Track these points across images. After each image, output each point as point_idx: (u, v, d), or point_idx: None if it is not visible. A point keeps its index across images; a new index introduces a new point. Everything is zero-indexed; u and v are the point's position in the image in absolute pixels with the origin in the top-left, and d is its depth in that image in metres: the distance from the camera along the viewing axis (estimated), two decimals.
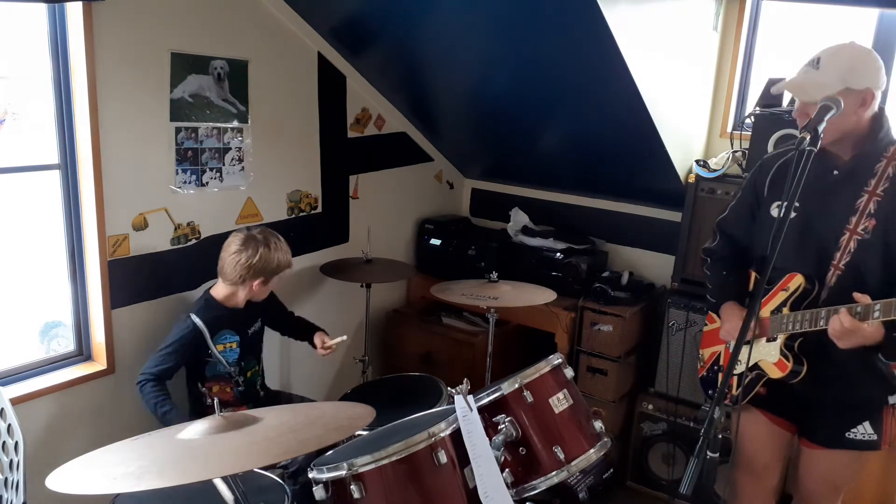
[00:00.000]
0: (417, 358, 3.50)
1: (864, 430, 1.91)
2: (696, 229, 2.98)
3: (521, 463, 1.89)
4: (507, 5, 2.44)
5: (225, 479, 1.44)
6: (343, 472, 1.62)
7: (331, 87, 3.13)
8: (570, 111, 3.06)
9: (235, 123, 2.73)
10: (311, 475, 1.70)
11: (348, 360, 3.42)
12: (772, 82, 1.91)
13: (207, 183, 2.67)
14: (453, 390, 1.78)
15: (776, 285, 1.93)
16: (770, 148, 2.66)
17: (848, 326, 1.68)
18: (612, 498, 3.14)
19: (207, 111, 2.62)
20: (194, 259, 2.66)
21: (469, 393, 1.77)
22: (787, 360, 1.89)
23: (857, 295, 1.70)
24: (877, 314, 1.65)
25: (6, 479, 1.88)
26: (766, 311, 1.96)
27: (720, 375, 2.16)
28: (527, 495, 1.88)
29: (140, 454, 1.43)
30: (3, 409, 1.92)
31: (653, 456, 3.18)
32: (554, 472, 1.88)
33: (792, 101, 2.43)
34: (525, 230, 3.61)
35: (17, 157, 2.43)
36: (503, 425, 1.87)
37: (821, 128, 1.64)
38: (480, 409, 1.84)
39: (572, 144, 3.34)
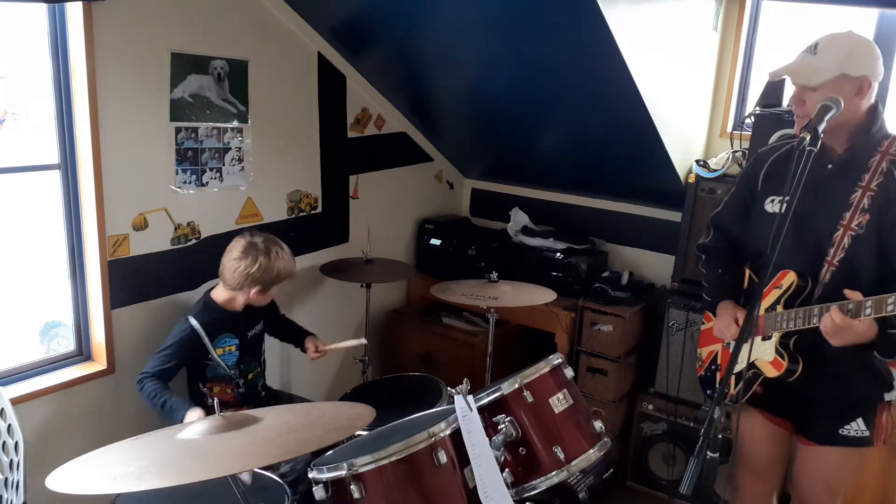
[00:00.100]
0: (417, 358, 3.50)
1: (857, 427, 1.91)
2: (696, 229, 2.98)
3: (521, 463, 1.89)
4: (507, 5, 2.44)
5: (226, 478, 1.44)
6: (343, 472, 1.62)
7: (331, 87, 3.13)
8: (570, 111, 3.06)
9: (235, 123, 2.73)
10: (310, 475, 1.70)
11: (348, 360, 3.42)
12: (773, 75, 1.89)
13: (207, 183, 2.67)
14: (453, 390, 1.78)
15: (770, 283, 1.92)
16: None
17: (839, 324, 1.68)
18: (612, 498, 3.14)
19: (207, 111, 2.62)
20: (194, 259, 2.66)
21: (469, 393, 1.77)
22: (783, 358, 1.88)
23: (847, 292, 1.69)
24: (868, 311, 1.64)
25: (6, 479, 1.88)
26: (760, 310, 1.95)
27: (718, 374, 2.16)
28: (527, 495, 1.88)
29: (140, 454, 1.43)
30: (3, 409, 1.92)
31: (653, 456, 3.18)
32: (554, 472, 1.88)
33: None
34: (525, 230, 3.61)
35: (17, 157, 2.43)
36: (503, 425, 1.87)
37: (821, 128, 1.63)
38: (480, 409, 1.84)
39: (572, 144, 3.34)
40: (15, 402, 2.06)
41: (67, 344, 2.52)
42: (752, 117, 2.84)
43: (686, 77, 3.02)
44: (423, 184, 3.85)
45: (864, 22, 2.82)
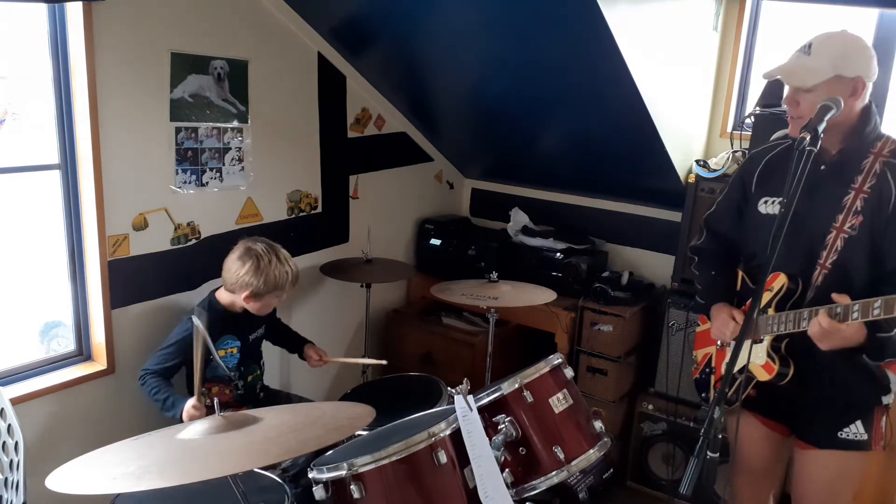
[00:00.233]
0: (417, 358, 3.50)
1: (855, 430, 1.89)
2: (696, 229, 2.96)
3: (521, 463, 1.89)
4: (507, 5, 2.44)
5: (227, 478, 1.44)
6: (343, 472, 1.62)
7: (331, 87, 3.13)
8: (570, 111, 3.06)
9: (235, 123, 2.73)
10: (310, 475, 1.70)
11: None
12: (767, 76, 1.89)
13: (207, 183, 2.67)
14: (453, 390, 1.78)
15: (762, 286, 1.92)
16: None
17: (826, 328, 1.67)
18: (612, 498, 3.14)
19: (207, 111, 2.62)
20: (194, 259, 2.66)
21: (469, 393, 1.77)
22: (774, 361, 1.87)
23: (835, 295, 1.68)
24: (855, 315, 1.63)
25: (6, 479, 1.88)
26: (749, 313, 1.94)
27: (713, 377, 2.15)
28: (527, 495, 1.88)
29: (140, 454, 1.43)
30: (3, 409, 1.92)
31: (653, 456, 3.18)
32: (554, 472, 1.87)
33: None
34: (525, 230, 3.61)
35: (17, 157, 2.43)
36: (503, 425, 1.87)
37: (821, 128, 1.63)
38: (480, 409, 1.84)
39: (572, 144, 3.34)
40: (15, 402, 2.06)
41: (67, 344, 2.52)
42: (752, 117, 2.84)
43: (686, 77, 3.02)
44: (423, 184, 3.85)
45: (864, 22, 2.82)
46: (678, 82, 2.93)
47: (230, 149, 2.73)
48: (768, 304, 1.88)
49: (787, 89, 1.84)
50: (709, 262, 2.18)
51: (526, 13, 2.43)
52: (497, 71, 2.95)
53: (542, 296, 2.90)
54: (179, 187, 2.58)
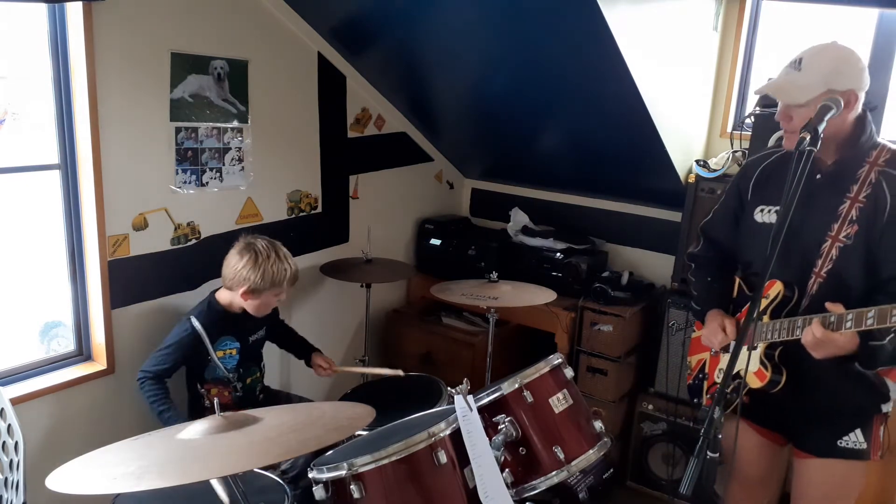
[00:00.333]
0: (417, 358, 3.50)
1: (855, 439, 1.88)
2: (696, 229, 2.97)
3: (521, 463, 1.89)
4: (507, 5, 2.44)
5: (225, 479, 1.44)
6: (343, 472, 1.62)
7: (331, 87, 3.13)
8: (570, 111, 3.06)
9: (235, 123, 2.73)
10: (310, 475, 1.70)
11: (348, 360, 3.42)
12: (759, 92, 1.89)
13: (207, 183, 2.67)
14: (453, 390, 1.78)
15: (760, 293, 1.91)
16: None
17: (820, 337, 1.66)
18: (612, 498, 3.14)
19: (207, 111, 2.62)
20: (194, 259, 2.66)
21: (469, 393, 1.77)
22: (766, 369, 1.86)
23: (829, 304, 1.68)
24: (849, 324, 1.62)
25: (6, 479, 1.88)
26: (746, 319, 1.94)
27: (705, 383, 2.15)
28: (527, 495, 1.88)
29: (140, 454, 1.43)
30: (3, 409, 1.92)
31: (653, 456, 3.18)
32: (554, 472, 1.87)
33: None
34: (525, 230, 3.61)
35: (17, 157, 2.43)
36: (503, 425, 1.87)
37: (821, 128, 1.62)
38: (480, 409, 1.84)
39: (572, 144, 3.34)
40: (15, 402, 2.06)
41: (67, 344, 2.52)
42: (752, 117, 2.84)
43: (686, 77, 3.02)
44: (423, 184, 3.85)
45: (864, 22, 2.82)
46: (678, 82, 2.93)
47: (230, 149, 2.73)
48: (763, 312, 1.87)
49: (779, 104, 1.83)
50: (705, 269, 2.17)
51: (526, 13, 2.43)
52: (497, 71, 2.95)
53: (542, 296, 2.90)
54: (179, 187, 2.58)
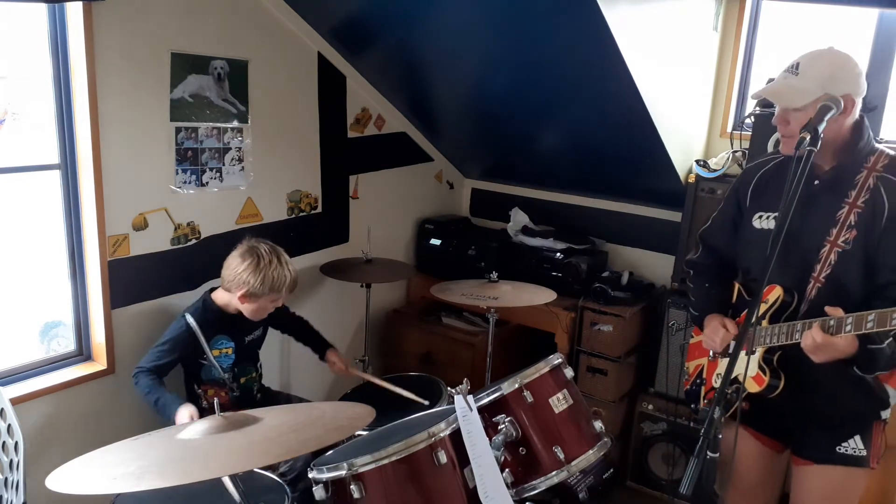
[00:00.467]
0: (417, 358, 3.50)
1: (854, 445, 1.86)
2: (695, 229, 2.96)
3: (521, 463, 1.89)
4: (507, 5, 2.44)
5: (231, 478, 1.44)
6: (343, 472, 1.62)
7: (331, 87, 3.13)
8: (570, 111, 3.06)
9: (235, 123, 2.73)
10: (310, 475, 1.70)
11: (348, 360, 3.41)
12: (756, 97, 1.89)
13: (207, 183, 2.67)
14: (453, 390, 1.78)
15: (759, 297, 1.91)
16: (769, 148, 2.66)
17: (820, 341, 1.66)
18: (612, 498, 3.14)
19: (207, 111, 2.62)
20: (194, 259, 2.66)
21: (469, 393, 1.77)
22: (765, 373, 1.85)
23: (828, 308, 1.68)
24: (849, 328, 1.62)
25: (6, 479, 1.88)
26: (745, 323, 1.93)
27: (703, 388, 2.14)
28: (527, 495, 1.88)
29: (140, 454, 1.43)
30: (3, 409, 1.92)
31: (653, 456, 3.18)
32: (554, 472, 1.87)
33: None
34: (525, 230, 3.61)
35: (17, 157, 2.43)
36: (503, 425, 1.87)
37: (821, 128, 1.62)
38: (480, 409, 1.84)
39: (572, 144, 3.34)
40: (15, 402, 2.06)
41: (67, 344, 2.52)
42: (752, 117, 2.84)
43: (686, 77, 3.02)
44: (423, 184, 3.85)
45: (864, 22, 2.82)
46: (678, 82, 2.93)
47: (230, 149, 2.73)
48: (762, 316, 1.87)
49: (777, 109, 1.83)
50: (704, 276, 2.17)
51: (526, 13, 2.43)
52: (497, 71, 2.95)
53: (542, 296, 2.90)
54: (179, 187, 2.58)
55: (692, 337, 2.26)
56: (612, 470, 2.80)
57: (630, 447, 3.24)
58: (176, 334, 2.33)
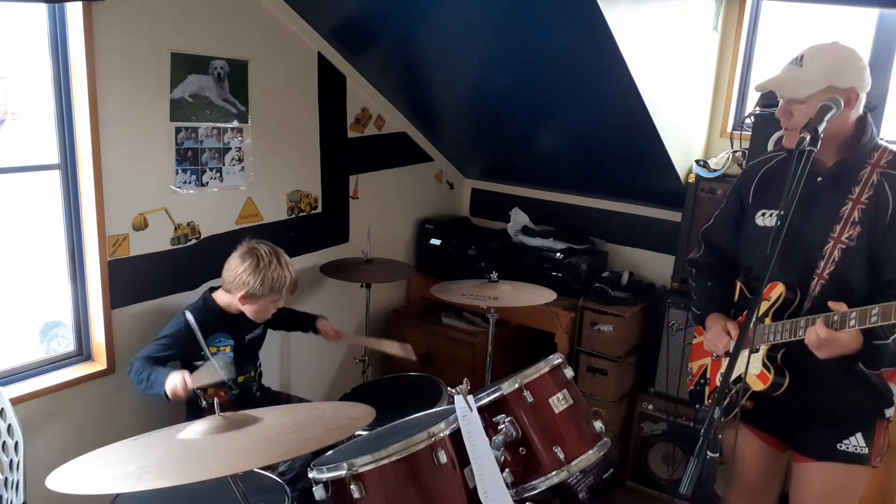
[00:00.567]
0: (417, 358, 3.49)
1: (856, 442, 1.86)
2: (696, 229, 2.96)
3: (521, 463, 1.89)
4: (507, 5, 2.44)
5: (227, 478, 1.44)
6: (343, 472, 1.62)
7: (331, 87, 3.13)
8: (570, 111, 3.06)
9: (235, 123, 2.73)
10: (310, 475, 1.70)
11: (348, 360, 3.42)
12: (760, 88, 1.87)
13: (207, 183, 2.67)
14: (453, 390, 1.78)
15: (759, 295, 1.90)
16: (770, 148, 2.66)
17: (824, 337, 1.65)
18: (612, 498, 3.14)
19: (207, 111, 2.62)
20: (194, 259, 2.66)
21: (469, 393, 1.77)
22: (769, 371, 1.84)
23: (832, 303, 1.67)
24: (853, 323, 1.61)
25: (6, 479, 1.88)
26: (745, 322, 1.92)
27: (707, 389, 2.14)
28: (527, 495, 1.88)
29: (140, 454, 1.43)
30: (3, 409, 1.92)
31: (653, 456, 3.18)
32: (554, 472, 1.87)
33: None
34: (525, 230, 3.61)
35: (17, 157, 2.43)
36: (503, 425, 1.87)
37: (821, 128, 1.62)
38: (480, 409, 1.84)
39: (572, 144, 3.34)
40: (15, 402, 2.06)
41: (67, 344, 2.52)
42: (752, 117, 2.84)
43: (686, 77, 3.02)
44: (423, 184, 3.85)
45: (864, 22, 2.82)
46: (678, 82, 2.93)
47: (230, 149, 2.73)
48: (765, 314, 1.86)
49: (780, 101, 1.83)
50: (706, 274, 2.16)
51: (526, 13, 2.43)
52: (497, 71, 2.95)
53: (542, 296, 2.90)
54: (179, 187, 2.58)
55: (695, 337, 2.25)
56: (612, 470, 2.80)
57: (630, 447, 3.24)
58: (174, 330, 2.33)
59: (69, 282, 2.43)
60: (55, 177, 2.34)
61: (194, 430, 1.49)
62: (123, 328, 2.49)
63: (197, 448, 1.42)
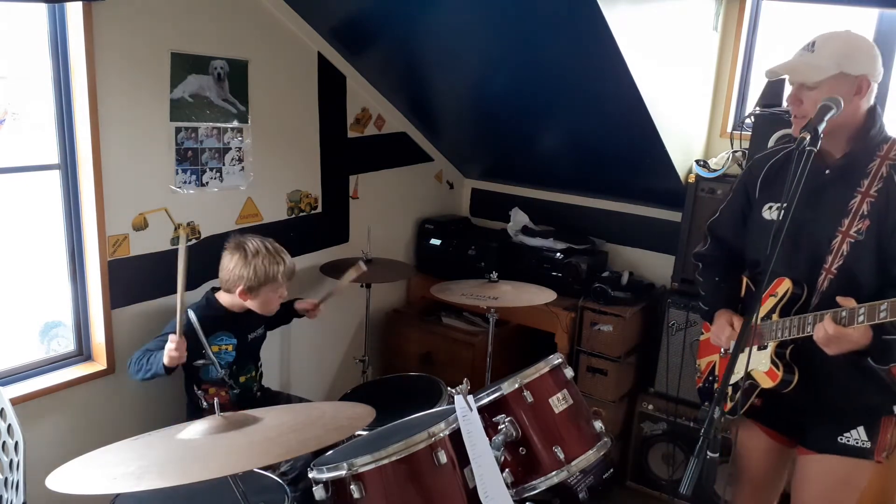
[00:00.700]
0: (417, 358, 3.50)
1: (857, 436, 1.84)
2: (696, 229, 2.98)
3: (521, 463, 1.89)
4: (508, 5, 2.44)
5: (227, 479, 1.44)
6: (343, 472, 1.62)
7: (331, 87, 3.13)
8: (570, 111, 3.06)
9: (235, 123, 2.73)
10: (311, 475, 1.70)
11: (348, 360, 3.42)
12: (770, 74, 1.85)
13: (207, 183, 2.67)
14: (453, 390, 1.78)
15: (766, 290, 1.87)
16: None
17: (832, 333, 1.63)
18: (612, 498, 3.14)
19: (207, 111, 2.62)
20: (194, 259, 2.64)
21: (469, 393, 1.77)
22: (778, 368, 1.83)
23: (840, 299, 1.65)
24: (861, 318, 1.59)
25: (6, 479, 1.88)
26: (745, 318, 1.91)
27: (716, 385, 2.12)
28: (527, 495, 1.88)
29: (140, 454, 1.43)
30: (3, 409, 1.92)
31: (653, 456, 3.18)
32: (554, 472, 1.87)
33: None
34: (525, 230, 3.61)
35: (17, 157, 2.43)
36: (503, 425, 1.87)
37: (821, 128, 1.61)
38: (480, 409, 1.84)
39: (572, 144, 3.34)
40: (15, 402, 2.06)
41: (67, 344, 2.52)
42: (752, 117, 2.84)
43: (686, 77, 3.02)
44: (423, 184, 3.85)
45: (864, 22, 2.82)
46: (678, 82, 2.93)
47: (230, 149, 2.73)
48: (772, 310, 1.85)
49: (789, 89, 1.81)
50: (713, 268, 2.14)
51: (526, 13, 2.43)
52: (497, 71, 2.95)
53: (542, 296, 2.90)
54: (179, 187, 2.58)
55: (702, 334, 2.24)
56: (612, 470, 2.80)
57: (630, 447, 3.24)
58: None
59: (69, 282, 2.43)
60: (55, 177, 2.34)
61: (194, 430, 1.49)
62: (123, 328, 2.49)
63: (197, 448, 1.42)
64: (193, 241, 2.67)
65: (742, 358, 1.68)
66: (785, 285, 1.83)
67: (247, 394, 2.52)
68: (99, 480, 1.34)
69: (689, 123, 3.17)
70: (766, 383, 1.86)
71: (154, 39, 2.41)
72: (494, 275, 2.97)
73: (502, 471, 1.79)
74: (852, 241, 1.75)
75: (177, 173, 2.56)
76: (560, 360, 2.04)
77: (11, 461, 1.87)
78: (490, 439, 1.79)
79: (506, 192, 3.92)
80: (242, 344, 2.48)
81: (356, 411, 1.66)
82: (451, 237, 3.66)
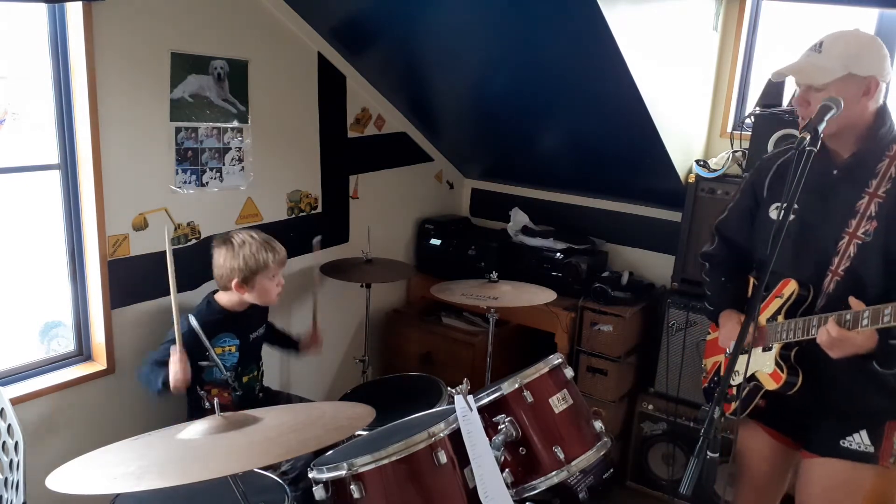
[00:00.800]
0: (417, 358, 3.50)
1: (860, 440, 1.83)
2: (696, 229, 2.98)
3: (521, 463, 1.89)
4: (508, 5, 2.44)
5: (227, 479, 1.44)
6: (343, 472, 1.62)
7: (331, 87, 3.13)
8: (570, 111, 3.06)
9: (235, 123, 2.73)
10: (311, 475, 1.70)
11: (348, 360, 3.42)
12: (777, 75, 1.82)
13: (207, 183, 2.67)
14: (453, 390, 1.78)
15: (772, 292, 1.87)
16: (770, 148, 2.66)
17: (836, 336, 1.62)
18: (612, 498, 3.14)
19: (207, 111, 2.62)
20: (194, 259, 2.66)
21: (469, 393, 1.77)
22: (782, 370, 1.82)
23: (852, 300, 1.63)
24: (865, 322, 1.58)
25: (6, 479, 1.88)
26: (762, 319, 1.89)
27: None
28: (527, 495, 1.88)
29: (140, 454, 1.43)
30: (3, 409, 1.92)
31: (653, 456, 3.18)
32: (554, 472, 1.87)
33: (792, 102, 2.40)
34: (525, 230, 3.61)
35: (17, 157, 2.43)
36: (503, 425, 1.87)
37: (821, 128, 1.59)
38: (480, 409, 1.84)
39: (572, 144, 3.34)
40: (15, 402, 2.06)
41: (67, 344, 2.52)
42: (752, 117, 2.84)
43: (686, 77, 3.02)
44: (423, 184, 3.85)
45: (864, 22, 2.82)
46: (678, 82, 2.93)
47: (230, 149, 2.73)
48: (778, 311, 1.84)
49: (789, 89, 1.80)
50: (719, 268, 2.13)
51: (526, 13, 2.43)
52: (497, 71, 2.95)
53: (542, 296, 2.90)
54: (179, 187, 2.58)
55: (709, 333, 2.23)
56: (612, 470, 2.79)
57: (630, 447, 3.24)
58: (181, 332, 2.33)
59: (69, 282, 2.43)
60: (55, 177, 2.34)
61: (194, 430, 1.49)
62: (123, 328, 2.49)
63: (197, 448, 1.42)
64: (193, 242, 2.67)
65: (742, 357, 1.68)
66: (791, 287, 1.82)
67: (249, 394, 2.53)
68: (99, 480, 1.34)
69: (689, 123, 3.17)
70: (770, 385, 1.86)
71: (154, 39, 2.41)
72: (494, 275, 2.97)
73: (502, 471, 1.79)
74: (859, 242, 1.73)
75: (177, 173, 2.56)
76: (560, 360, 2.04)
77: (11, 461, 1.87)
78: (490, 439, 1.79)
79: (506, 192, 3.92)
80: (245, 344, 2.48)
81: (356, 411, 1.66)
82: (451, 237, 3.66)
